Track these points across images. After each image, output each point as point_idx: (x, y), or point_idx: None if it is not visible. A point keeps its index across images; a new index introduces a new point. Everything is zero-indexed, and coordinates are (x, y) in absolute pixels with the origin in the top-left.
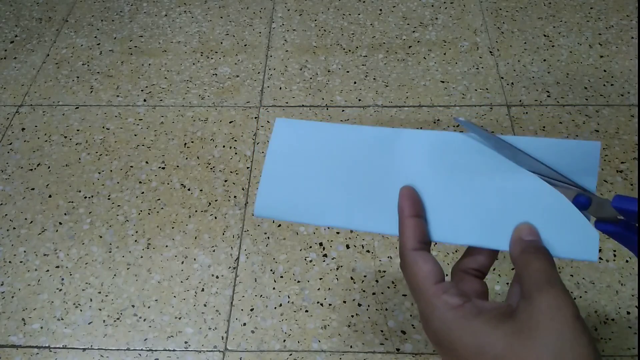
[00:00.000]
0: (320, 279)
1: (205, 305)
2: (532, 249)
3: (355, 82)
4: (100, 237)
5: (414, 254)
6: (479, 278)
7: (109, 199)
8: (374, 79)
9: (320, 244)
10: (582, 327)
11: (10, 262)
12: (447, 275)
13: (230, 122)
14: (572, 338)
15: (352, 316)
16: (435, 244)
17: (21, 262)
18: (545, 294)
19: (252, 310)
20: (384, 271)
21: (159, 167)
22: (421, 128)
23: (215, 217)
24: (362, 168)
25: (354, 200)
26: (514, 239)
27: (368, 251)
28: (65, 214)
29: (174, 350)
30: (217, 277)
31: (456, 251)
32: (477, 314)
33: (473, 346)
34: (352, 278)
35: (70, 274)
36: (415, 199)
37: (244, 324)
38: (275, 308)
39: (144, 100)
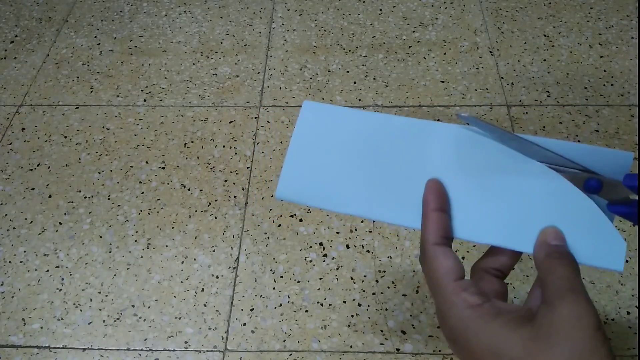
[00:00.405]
0: (320, 279)
1: (205, 305)
2: (557, 254)
3: (355, 82)
4: (100, 237)
5: (435, 249)
6: (499, 278)
7: (109, 199)
8: (374, 79)
9: (320, 244)
10: (602, 338)
11: (10, 262)
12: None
13: (230, 122)
14: (591, 349)
15: (352, 316)
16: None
17: (21, 262)
18: (568, 301)
19: (252, 310)
20: (384, 271)
21: (159, 167)
22: None
23: (215, 217)
24: (388, 157)
25: (377, 190)
26: (539, 242)
27: (368, 251)
28: (65, 214)
29: (174, 350)
30: (217, 277)
31: (456, 251)
32: (495, 315)
33: (489, 347)
34: (352, 278)
35: (70, 274)
36: (441, 193)
37: (244, 324)
38: (275, 308)
39: (144, 100)
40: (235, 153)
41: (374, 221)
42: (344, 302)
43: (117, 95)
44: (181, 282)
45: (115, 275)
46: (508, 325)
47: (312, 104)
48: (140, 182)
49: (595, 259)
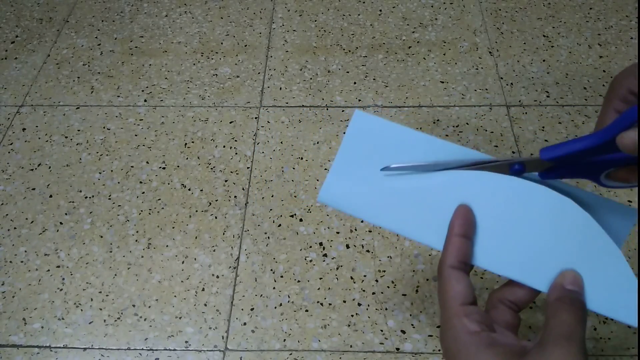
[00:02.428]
0: (320, 278)
1: (205, 305)
2: (568, 300)
3: (355, 83)
4: (101, 237)
5: (450, 271)
6: (513, 310)
7: (109, 199)
8: (374, 79)
9: (320, 244)
10: None
11: (10, 262)
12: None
13: (230, 122)
14: None
15: (352, 316)
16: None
17: (22, 262)
18: (559, 348)
19: (252, 309)
20: (384, 271)
21: (160, 167)
22: (420, 128)
23: (216, 217)
24: (424, 177)
25: (409, 207)
26: (555, 283)
27: (368, 251)
28: (66, 213)
29: (174, 350)
30: (217, 276)
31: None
32: (489, 345)
33: None
34: (352, 278)
35: (71, 274)
36: (469, 220)
37: (244, 324)
38: (275, 308)
39: (145, 101)
40: (236, 153)
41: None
42: (344, 301)
43: (118, 96)
44: (181, 281)
45: (115, 275)
46: (498, 356)
47: (363, 115)
48: (140, 182)
49: (608, 309)
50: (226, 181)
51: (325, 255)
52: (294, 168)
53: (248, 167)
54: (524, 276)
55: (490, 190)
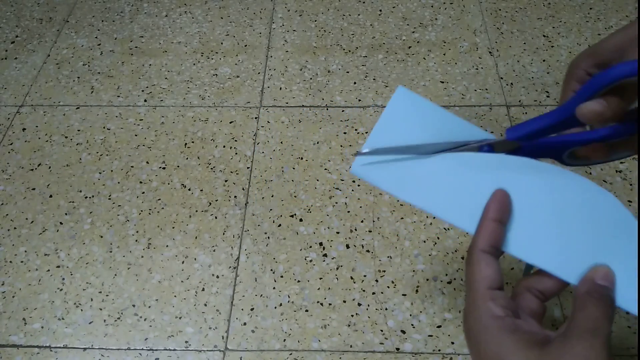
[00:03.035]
0: (320, 278)
1: (205, 305)
2: (597, 294)
3: (355, 83)
4: (101, 237)
5: (480, 254)
6: (539, 299)
7: (109, 199)
8: (374, 79)
9: (320, 244)
10: None
11: (11, 262)
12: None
13: (230, 122)
14: None
15: (352, 316)
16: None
17: (22, 262)
18: (584, 341)
19: (252, 309)
20: (384, 271)
21: (160, 167)
22: None
23: (216, 217)
24: (461, 158)
25: (444, 186)
26: (586, 277)
27: (368, 251)
28: (66, 213)
29: (174, 350)
30: (217, 276)
31: (455, 251)
32: (512, 331)
33: (494, 355)
34: (352, 278)
35: (71, 274)
36: (505, 205)
37: (244, 324)
38: (275, 308)
39: (145, 101)
40: (236, 153)
41: (421, 211)
42: (344, 301)
43: (118, 96)
44: (181, 281)
45: (115, 275)
46: (520, 342)
47: (405, 91)
48: (140, 182)
49: (636, 307)
50: (226, 181)
51: (325, 255)
52: (294, 168)
53: (248, 167)
54: (554, 267)
55: (527, 176)
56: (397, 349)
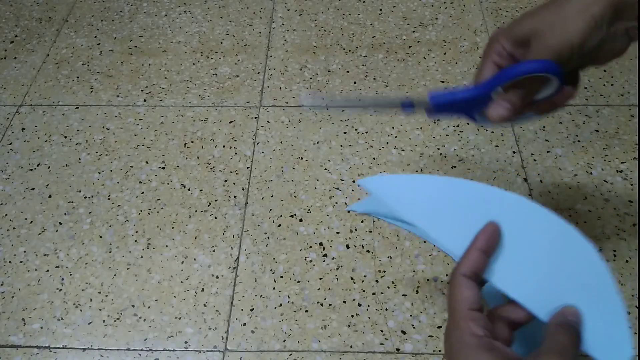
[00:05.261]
0: (320, 279)
1: (205, 305)
2: (567, 326)
3: (355, 82)
4: (100, 237)
5: (462, 278)
6: (509, 327)
7: (109, 199)
8: (374, 79)
9: (320, 244)
10: None
11: (10, 262)
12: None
13: (230, 122)
14: None
15: (352, 316)
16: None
17: (21, 262)
18: (552, 357)
19: (252, 310)
20: (384, 271)
21: (159, 167)
22: (421, 128)
23: (215, 217)
24: (457, 185)
25: (441, 215)
26: (558, 312)
27: (368, 251)
28: (65, 214)
29: (174, 350)
30: (217, 277)
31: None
32: (489, 349)
33: None
34: (352, 278)
35: (70, 274)
36: (494, 238)
37: (244, 324)
38: (275, 308)
39: (144, 100)
40: (235, 153)
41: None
42: (344, 302)
43: (117, 95)
44: (181, 282)
45: (115, 275)
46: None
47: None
48: (140, 182)
49: (599, 353)
50: (226, 181)
51: (325, 255)
52: (294, 168)
53: (248, 167)
54: (529, 302)
55: (515, 213)
56: (398, 349)
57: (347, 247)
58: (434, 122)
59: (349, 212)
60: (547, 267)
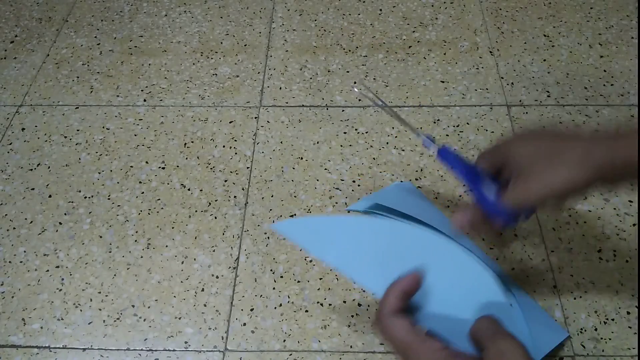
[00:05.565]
0: (320, 279)
1: (205, 305)
2: (483, 317)
3: (355, 82)
4: (100, 237)
5: (390, 317)
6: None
7: (109, 199)
8: (374, 79)
9: None
10: None
11: (10, 262)
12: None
13: (230, 122)
14: None
15: (352, 316)
16: None
17: (21, 262)
18: (495, 341)
19: (252, 310)
20: None
21: (159, 167)
22: (421, 128)
23: (215, 217)
24: (383, 239)
25: (362, 255)
26: (473, 326)
27: None
28: (65, 214)
29: (174, 350)
30: (217, 277)
31: None
32: (455, 356)
33: None
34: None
35: (70, 274)
36: (416, 285)
37: (244, 324)
38: (275, 308)
39: (144, 100)
40: (235, 153)
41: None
42: (344, 302)
43: (117, 95)
44: (181, 282)
45: (115, 275)
46: None
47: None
48: (140, 182)
49: (542, 346)
50: (226, 181)
51: None
52: (294, 168)
53: (248, 167)
54: (447, 334)
55: (439, 256)
56: None
57: None
58: (434, 122)
59: (349, 212)
60: (461, 304)
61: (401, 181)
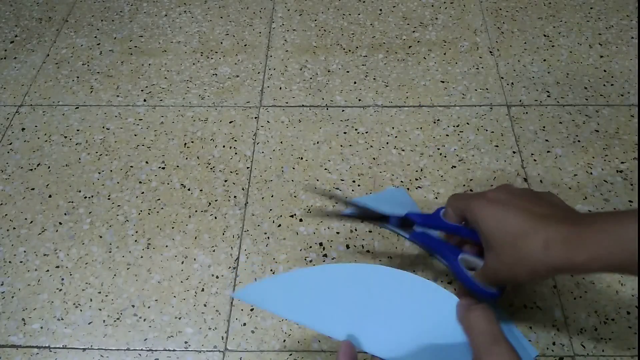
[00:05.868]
0: None
1: (205, 305)
2: (474, 307)
3: (355, 82)
4: (100, 237)
5: None
6: None
7: (109, 199)
8: (374, 79)
9: (320, 244)
10: None
11: (10, 262)
12: None
13: (230, 122)
14: None
15: None
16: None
17: (21, 262)
18: (491, 356)
19: (252, 310)
20: None
21: (159, 167)
22: (421, 128)
23: (215, 217)
24: (317, 273)
25: (316, 309)
26: (458, 306)
27: (368, 251)
28: (65, 214)
29: (174, 350)
30: (217, 277)
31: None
32: None
33: None
34: None
35: (70, 274)
36: (351, 351)
37: (244, 324)
38: None
39: (144, 100)
40: (235, 153)
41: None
42: None
43: (117, 95)
44: (181, 282)
45: (115, 275)
46: None
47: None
48: (140, 182)
49: None
50: (226, 181)
51: (325, 255)
52: (294, 168)
53: (248, 167)
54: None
55: (382, 284)
56: None
57: (347, 247)
58: (434, 122)
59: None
60: (411, 325)
61: (397, 187)
